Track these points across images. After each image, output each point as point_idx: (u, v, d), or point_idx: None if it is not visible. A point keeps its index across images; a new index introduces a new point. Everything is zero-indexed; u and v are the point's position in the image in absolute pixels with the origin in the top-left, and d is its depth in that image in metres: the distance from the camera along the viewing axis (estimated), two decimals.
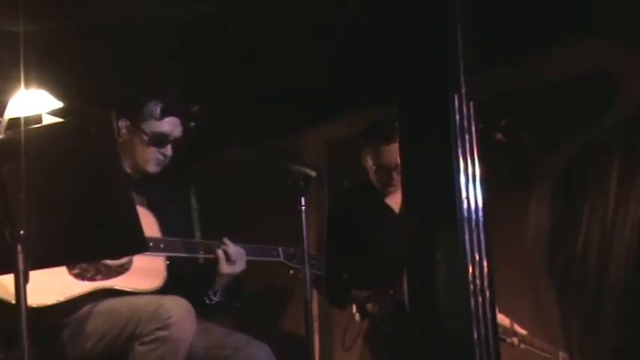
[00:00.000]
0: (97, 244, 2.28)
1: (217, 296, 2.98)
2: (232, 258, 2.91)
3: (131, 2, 3.33)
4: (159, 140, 2.99)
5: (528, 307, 0.62)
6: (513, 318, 3.48)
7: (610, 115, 0.59)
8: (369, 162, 3.62)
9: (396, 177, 3.52)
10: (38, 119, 2.79)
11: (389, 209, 3.60)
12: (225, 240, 2.94)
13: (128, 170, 3.01)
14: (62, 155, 2.19)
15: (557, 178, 0.60)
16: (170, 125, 3.00)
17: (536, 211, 0.61)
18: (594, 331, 0.55)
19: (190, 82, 3.91)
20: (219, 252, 2.90)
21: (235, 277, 3.00)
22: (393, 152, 3.43)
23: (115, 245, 2.32)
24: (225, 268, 2.91)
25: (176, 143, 3.03)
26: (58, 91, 2.94)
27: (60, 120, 2.68)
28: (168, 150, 3.02)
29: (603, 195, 0.56)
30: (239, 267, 2.95)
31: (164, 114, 2.99)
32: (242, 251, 2.95)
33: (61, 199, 2.20)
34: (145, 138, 2.97)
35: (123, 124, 3.00)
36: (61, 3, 3.20)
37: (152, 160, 3.00)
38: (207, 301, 2.97)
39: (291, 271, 3.15)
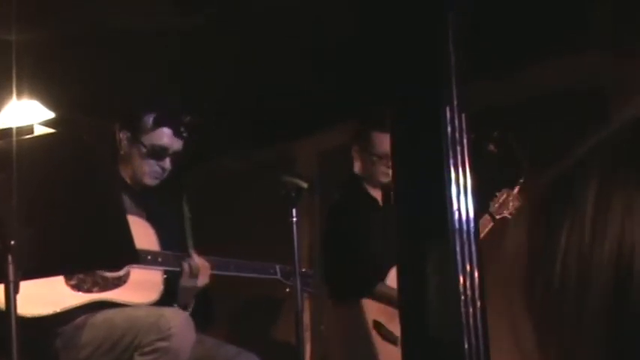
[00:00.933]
0: (88, 255, 2.28)
1: (186, 310, 2.93)
2: (194, 271, 2.87)
3: (125, 12, 3.33)
4: (157, 153, 2.98)
5: (506, 329, 0.61)
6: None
7: (590, 137, 0.59)
8: (365, 157, 3.56)
9: None
10: (30, 130, 2.78)
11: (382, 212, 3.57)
12: (191, 252, 2.90)
13: (128, 181, 3.01)
14: (53, 165, 2.19)
15: (536, 201, 0.60)
16: (169, 138, 3.00)
17: (514, 234, 0.60)
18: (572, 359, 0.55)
19: (183, 93, 3.91)
20: (184, 264, 2.87)
21: (202, 291, 2.95)
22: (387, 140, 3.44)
23: (106, 256, 2.32)
24: (186, 281, 2.87)
25: (175, 157, 3.03)
26: (50, 102, 2.94)
27: (52, 130, 2.68)
28: (167, 163, 3.01)
29: (580, 220, 0.55)
30: (201, 281, 2.90)
31: (157, 124, 2.99)
32: (206, 265, 2.92)
33: (53, 210, 2.20)
34: (144, 150, 2.96)
35: (124, 135, 3.00)
36: (54, 12, 3.20)
37: (150, 172, 3.00)
38: None
39: (288, 289, 3.14)
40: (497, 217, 3.54)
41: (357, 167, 3.60)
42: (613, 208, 0.54)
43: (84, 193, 2.20)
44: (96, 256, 2.29)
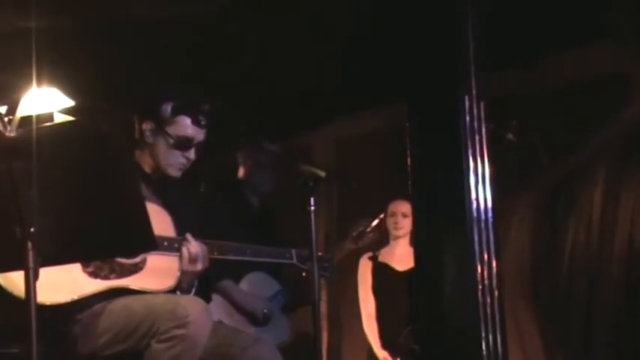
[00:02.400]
0: (107, 242, 2.28)
1: (189, 293, 2.94)
2: (192, 256, 2.87)
3: (144, 1, 3.34)
4: (183, 144, 2.98)
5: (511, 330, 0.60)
6: None
7: (597, 135, 0.57)
8: None
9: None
10: (50, 117, 2.79)
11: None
12: (187, 236, 2.90)
13: (147, 170, 3.01)
14: (73, 153, 2.20)
15: (539, 202, 0.59)
16: (192, 129, 3.00)
17: (517, 236, 0.59)
18: None
19: (201, 82, 3.91)
20: (183, 249, 2.87)
21: (195, 275, 2.95)
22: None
23: (125, 244, 2.32)
24: (186, 265, 2.88)
25: (199, 147, 3.03)
26: (70, 90, 2.95)
27: (71, 118, 2.69)
28: (192, 154, 3.01)
29: (587, 218, 0.54)
30: (200, 265, 2.90)
31: (175, 113, 2.99)
32: (204, 249, 2.91)
33: (72, 197, 2.21)
34: (171, 141, 2.96)
35: (147, 126, 2.99)
36: (74, 1, 3.21)
37: (176, 164, 2.99)
38: None
39: (304, 273, 3.14)
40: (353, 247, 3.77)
41: (241, 172, 3.71)
42: (622, 204, 0.53)
43: (103, 181, 2.21)
44: (115, 243, 2.30)
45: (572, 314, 0.54)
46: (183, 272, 2.88)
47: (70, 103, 2.89)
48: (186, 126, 2.99)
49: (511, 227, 0.60)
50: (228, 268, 3.22)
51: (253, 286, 3.48)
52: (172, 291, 2.85)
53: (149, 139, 2.98)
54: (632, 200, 0.53)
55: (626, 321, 0.52)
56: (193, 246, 2.87)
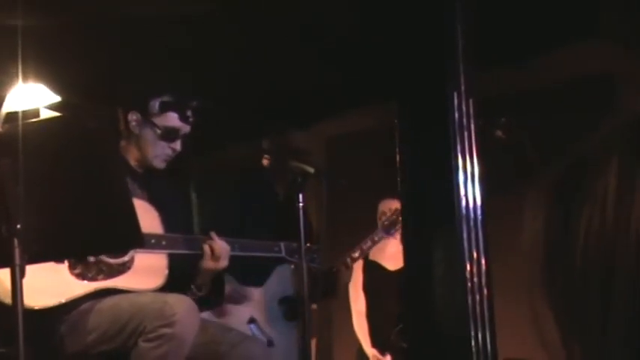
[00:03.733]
0: (94, 239, 2.27)
1: (202, 291, 2.95)
2: (216, 253, 2.89)
3: None
4: (170, 135, 2.98)
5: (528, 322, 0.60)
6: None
7: (607, 123, 0.57)
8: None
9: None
10: (36, 113, 2.78)
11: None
12: (212, 234, 2.91)
13: (133, 164, 3.00)
14: (59, 150, 2.18)
15: (552, 189, 0.59)
16: (178, 122, 3.00)
17: (531, 223, 0.59)
18: (599, 355, 0.53)
19: (191, 79, 3.90)
20: (206, 247, 2.88)
21: (219, 273, 2.97)
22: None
23: (112, 240, 2.31)
24: (209, 263, 2.89)
25: (184, 139, 3.03)
26: (56, 86, 2.93)
27: (58, 114, 2.67)
28: (178, 145, 3.01)
29: (601, 204, 0.54)
30: (222, 263, 2.92)
31: (163, 109, 2.98)
32: (227, 247, 2.93)
33: (58, 194, 2.19)
34: (158, 132, 2.96)
35: (133, 117, 2.98)
36: None
37: (161, 155, 2.99)
38: (191, 297, 2.95)
39: (292, 266, 3.14)
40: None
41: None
42: (637, 191, 0.53)
43: (90, 177, 2.20)
44: (102, 240, 2.29)
45: (587, 300, 0.54)
46: (204, 270, 2.89)
47: (57, 98, 2.87)
48: (173, 118, 2.98)
49: (524, 216, 0.60)
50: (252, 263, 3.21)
51: (279, 283, 3.47)
52: (161, 289, 2.84)
53: (135, 129, 2.97)
54: None
55: None
56: (218, 244, 2.88)
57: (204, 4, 3.37)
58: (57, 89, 2.92)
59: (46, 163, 2.16)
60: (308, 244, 2.99)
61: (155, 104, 2.98)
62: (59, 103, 2.89)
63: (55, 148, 2.18)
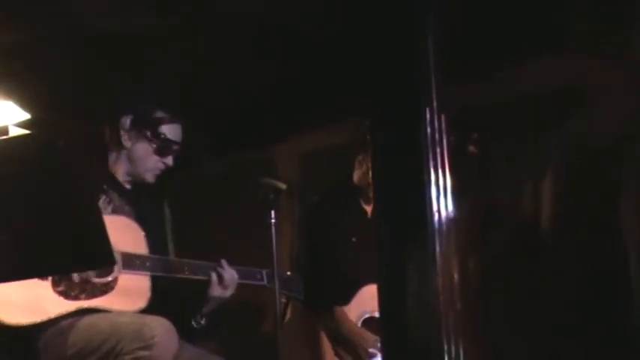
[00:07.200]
0: (63, 258, 2.25)
1: (204, 320, 2.93)
2: (225, 282, 2.87)
3: (101, 14, 3.31)
4: (164, 149, 2.96)
5: None
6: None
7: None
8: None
9: None
10: (5, 131, 2.75)
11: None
12: (223, 262, 2.88)
13: (121, 179, 2.98)
14: (28, 167, 2.16)
15: None
16: (175, 135, 2.99)
17: None
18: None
19: (161, 95, 3.88)
20: (213, 274, 2.86)
21: (224, 301, 2.95)
22: None
23: (82, 259, 2.29)
24: (216, 291, 2.87)
25: (177, 154, 3.02)
26: (25, 103, 2.91)
27: (27, 132, 2.65)
28: (170, 160, 3.00)
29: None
30: (229, 291, 2.90)
31: (134, 126, 2.97)
32: (235, 276, 2.91)
33: (27, 212, 2.17)
34: (154, 146, 2.94)
35: (126, 128, 2.96)
36: (29, 13, 3.17)
37: (154, 169, 2.99)
38: (195, 325, 2.93)
39: (284, 299, 3.12)
40: None
41: (356, 177, 3.56)
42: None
43: (58, 196, 2.17)
44: (71, 259, 2.26)
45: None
46: (211, 298, 2.87)
47: (26, 116, 2.85)
48: (170, 132, 2.97)
49: None
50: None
51: None
52: (143, 311, 2.81)
53: (127, 143, 2.96)
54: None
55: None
56: (227, 272, 2.86)
57: (171, 19, 3.37)
58: (26, 107, 2.90)
59: (14, 181, 2.14)
60: (289, 273, 2.98)
61: (126, 121, 2.96)
62: (29, 120, 2.86)
63: (24, 166, 2.15)
